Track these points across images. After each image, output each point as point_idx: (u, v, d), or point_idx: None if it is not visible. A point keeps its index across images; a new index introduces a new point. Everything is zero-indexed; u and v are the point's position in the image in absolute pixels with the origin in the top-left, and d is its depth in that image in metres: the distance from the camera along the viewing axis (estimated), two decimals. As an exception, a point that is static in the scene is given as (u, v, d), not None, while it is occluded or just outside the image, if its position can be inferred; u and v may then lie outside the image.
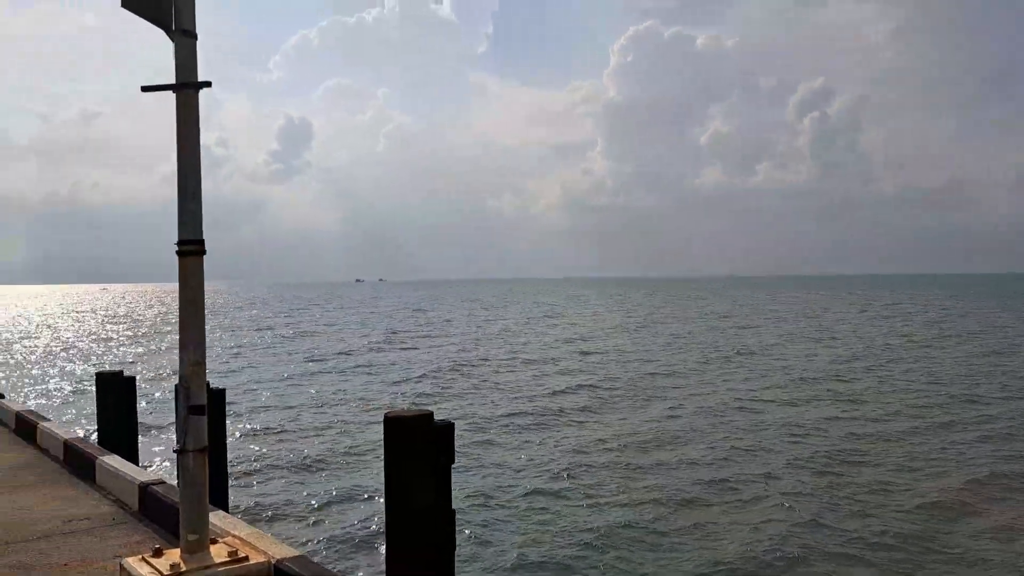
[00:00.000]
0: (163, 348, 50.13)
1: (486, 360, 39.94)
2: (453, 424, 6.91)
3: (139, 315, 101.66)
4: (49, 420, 9.62)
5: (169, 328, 73.06)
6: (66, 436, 8.56)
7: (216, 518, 5.45)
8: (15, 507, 6.70)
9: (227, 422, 12.43)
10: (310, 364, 39.71)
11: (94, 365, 39.10)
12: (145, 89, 4.93)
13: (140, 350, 50.00)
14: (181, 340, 4.87)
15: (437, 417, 6.48)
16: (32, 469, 8.10)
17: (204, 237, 4.90)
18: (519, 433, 21.35)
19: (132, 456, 14.52)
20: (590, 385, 30.02)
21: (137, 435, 15.00)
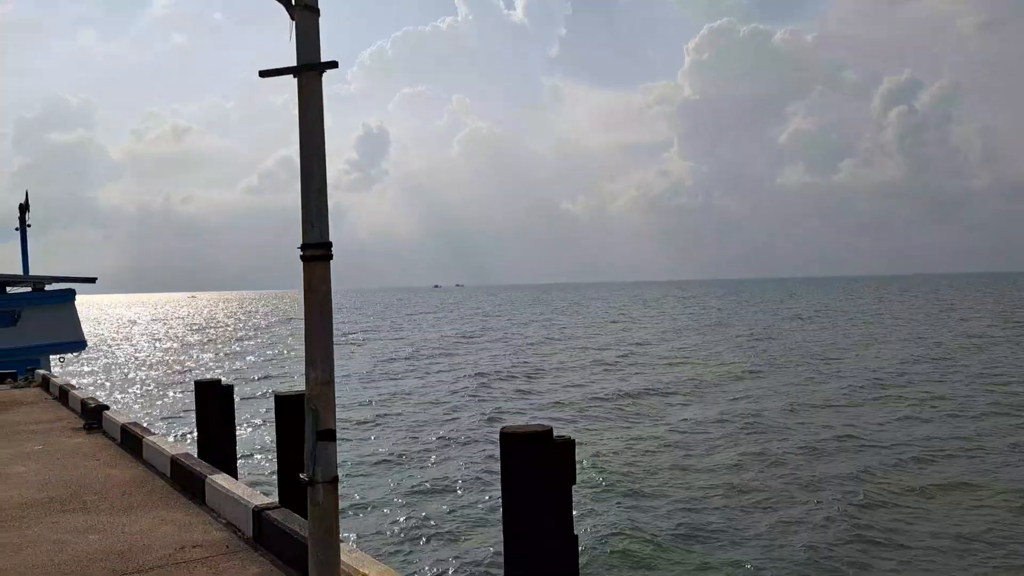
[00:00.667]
0: (232, 352, 51.15)
1: (561, 364, 39.26)
2: (574, 441, 6.25)
3: (218, 322, 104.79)
4: (154, 434, 9.33)
5: (242, 335, 74.83)
6: (173, 452, 8.21)
7: (344, 553, 4.89)
8: (128, 531, 6.32)
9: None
10: (388, 366, 39.76)
11: (184, 373, 40.00)
12: (264, 74, 4.40)
13: (213, 355, 51.14)
14: (308, 356, 4.31)
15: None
16: (140, 487, 7.77)
17: (318, 241, 4.36)
18: (595, 433, 20.87)
19: (231, 466, 14.34)
20: (661, 387, 29.12)
21: (235, 445, 14.88)
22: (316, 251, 4.29)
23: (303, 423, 9.95)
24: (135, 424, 10.09)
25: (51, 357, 24.54)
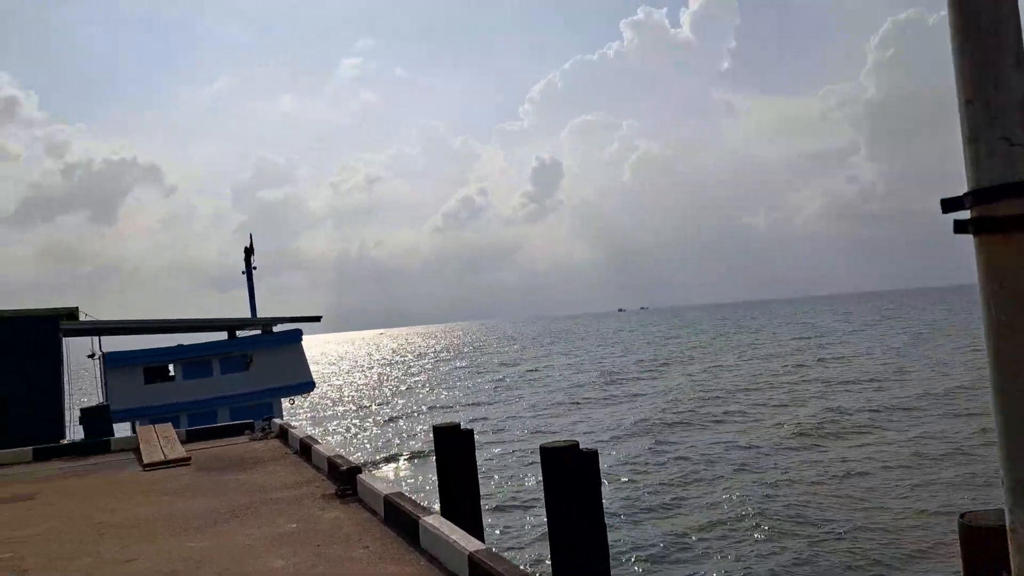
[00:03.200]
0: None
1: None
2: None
3: (401, 360, 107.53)
4: (431, 511, 7.23)
5: (411, 374, 75.33)
6: (470, 547, 6.03)
7: None
8: None
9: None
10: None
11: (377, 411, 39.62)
12: None
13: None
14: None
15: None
16: (438, 603, 5.60)
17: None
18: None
19: (476, 522, 12.25)
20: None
21: (479, 496, 12.95)
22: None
23: (575, 483, 7.48)
24: (400, 496, 8.09)
25: (282, 400, 24.27)
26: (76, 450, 15.15)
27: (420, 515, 7.12)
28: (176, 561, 7.16)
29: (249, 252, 25.88)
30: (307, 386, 24.08)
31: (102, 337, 24.50)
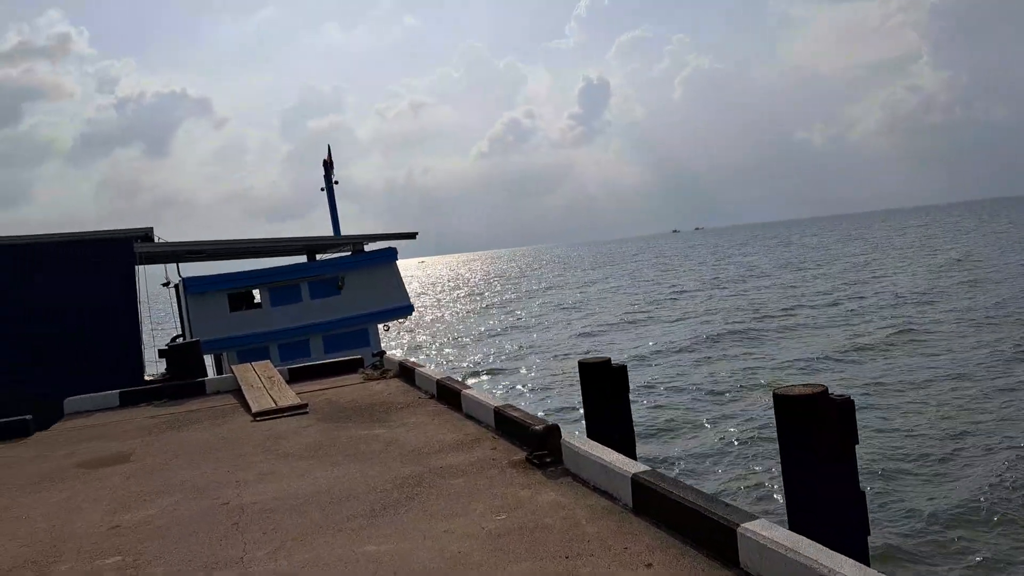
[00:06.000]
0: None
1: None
2: None
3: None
4: (752, 516, 4.71)
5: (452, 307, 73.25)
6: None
7: None
8: None
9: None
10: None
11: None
12: None
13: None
14: None
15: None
16: None
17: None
18: None
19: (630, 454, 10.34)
20: None
21: (635, 443, 11.05)
22: None
23: (823, 437, 3.80)
24: (662, 478, 5.59)
25: (379, 326, 22.17)
26: (167, 393, 13.14)
27: (736, 520, 4.61)
28: (362, 581, 4.82)
29: (329, 166, 23.46)
30: (405, 310, 21.95)
31: (172, 265, 22.55)
